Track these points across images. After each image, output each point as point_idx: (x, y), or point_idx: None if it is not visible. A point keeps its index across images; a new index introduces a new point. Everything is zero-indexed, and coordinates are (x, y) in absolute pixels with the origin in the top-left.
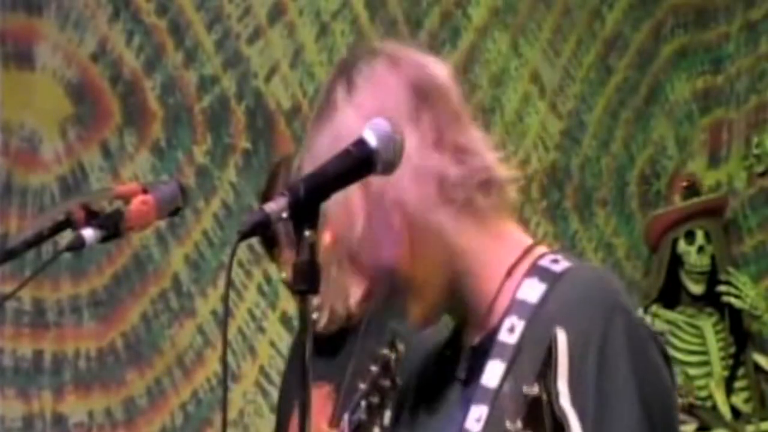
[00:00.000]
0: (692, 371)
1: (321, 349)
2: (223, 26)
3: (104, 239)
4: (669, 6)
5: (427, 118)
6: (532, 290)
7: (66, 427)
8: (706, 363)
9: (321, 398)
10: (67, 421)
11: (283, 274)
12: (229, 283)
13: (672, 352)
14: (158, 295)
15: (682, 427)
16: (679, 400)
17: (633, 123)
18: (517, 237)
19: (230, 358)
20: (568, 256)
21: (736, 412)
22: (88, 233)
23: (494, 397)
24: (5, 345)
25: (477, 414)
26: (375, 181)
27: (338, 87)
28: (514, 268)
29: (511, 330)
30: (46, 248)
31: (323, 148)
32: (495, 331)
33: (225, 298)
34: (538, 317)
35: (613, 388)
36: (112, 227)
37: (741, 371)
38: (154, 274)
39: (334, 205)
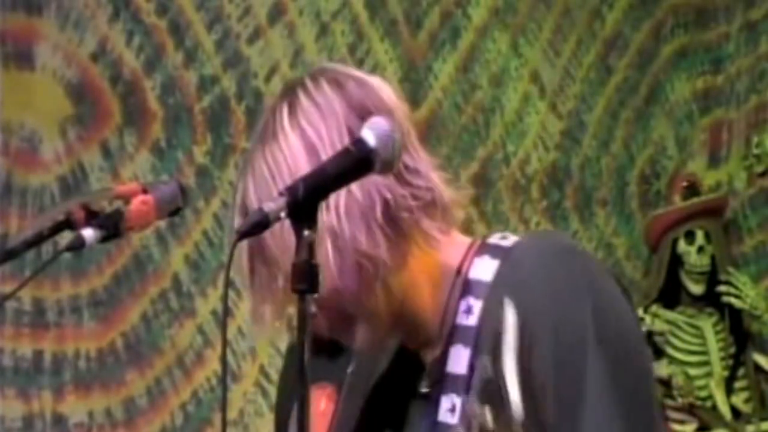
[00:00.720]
0: (692, 371)
1: (322, 350)
2: (223, 26)
3: (104, 239)
4: (669, 6)
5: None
6: (485, 268)
7: (66, 427)
8: (706, 363)
9: (322, 399)
10: (67, 421)
11: None
12: (229, 283)
13: (672, 352)
14: (158, 295)
15: (683, 427)
16: (679, 400)
17: (633, 123)
18: (461, 240)
19: (230, 358)
20: (516, 233)
21: (736, 412)
22: (88, 233)
23: (466, 384)
24: (5, 345)
25: (449, 404)
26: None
27: (282, 109)
28: (462, 265)
29: (468, 311)
30: (46, 248)
31: (264, 173)
32: (452, 313)
33: (224, 298)
34: (494, 294)
35: (585, 352)
36: (112, 227)
37: (741, 371)
38: (154, 274)
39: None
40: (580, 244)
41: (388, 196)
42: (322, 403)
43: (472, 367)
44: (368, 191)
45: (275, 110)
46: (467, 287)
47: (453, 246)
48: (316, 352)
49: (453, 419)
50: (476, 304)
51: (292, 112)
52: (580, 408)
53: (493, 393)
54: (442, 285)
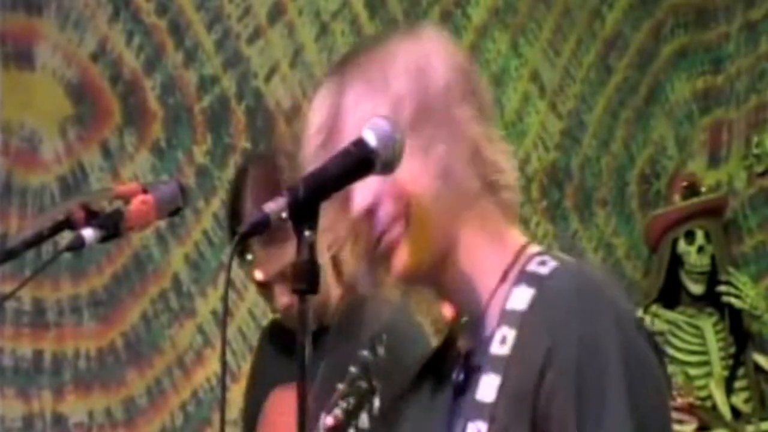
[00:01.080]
0: (692, 371)
1: (292, 350)
2: (223, 26)
3: (104, 239)
4: (669, 6)
5: (456, 108)
6: (521, 298)
7: (66, 427)
8: (706, 363)
9: (293, 399)
10: (67, 421)
11: (258, 275)
12: (229, 283)
13: (672, 352)
14: (158, 295)
15: (683, 427)
16: (679, 400)
17: (633, 123)
18: (513, 240)
19: (230, 358)
20: (556, 255)
21: (736, 412)
22: (88, 233)
23: (492, 412)
24: (5, 345)
25: (475, 430)
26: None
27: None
28: (508, 272)
29: (503, 341)
30: (46, 248)
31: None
32: (488, 341)
33: (225, 298)
34: (527, 324)
35: (605, 388)
36: (112, 227)
37: (741, 371)
38: (154, 274)
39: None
40: (607, 282)
41: (457, 166)
42: (293, 403)
43: (498, 397)
44: (438, 159)
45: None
46: (504, 316)
47: (506, 246)
48: (286, 352)
49: None
50: (510, 334)
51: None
52: None
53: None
54: (485, 283)
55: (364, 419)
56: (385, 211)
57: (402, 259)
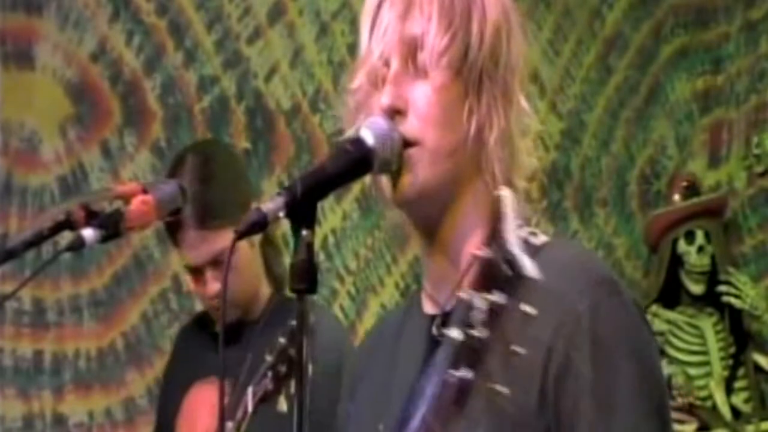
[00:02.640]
0: (692, 371)
1: (212, 341)
2: (223, 26)
3: (104, 239)
4: (669, 6)
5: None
6: None
7: (66, 427)
8: (706, 363)
9: (214, 395)
10: (67, 421)
11: (189, 256)
12: (227, 283)
13: (672, 352)
14: (158, 295)
15: (683, 427)
16: (679, 400)
17: (633, 123)
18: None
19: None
20: (544, 233)
21: (736, 412)
22: (88, 233)
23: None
24: (5, 345)
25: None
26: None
27: None
28: (495, 228)
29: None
30: (46, 248)
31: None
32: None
33: (224, 298)
34: (517, 288)
35: (611, 362)
36: (112, 227)
37: (741, 371)
38: (154, 274)
39: None
40: (597, 257)
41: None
42: (213, 397)
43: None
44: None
45: None
46: None
47: (490, 195)
48: (210, 345)
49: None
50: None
51: None
52: (614, 412)
53: (493, 274)
54: (477, 235)
55: (281, 402)
56: (410, 127)
57: (414, 180)
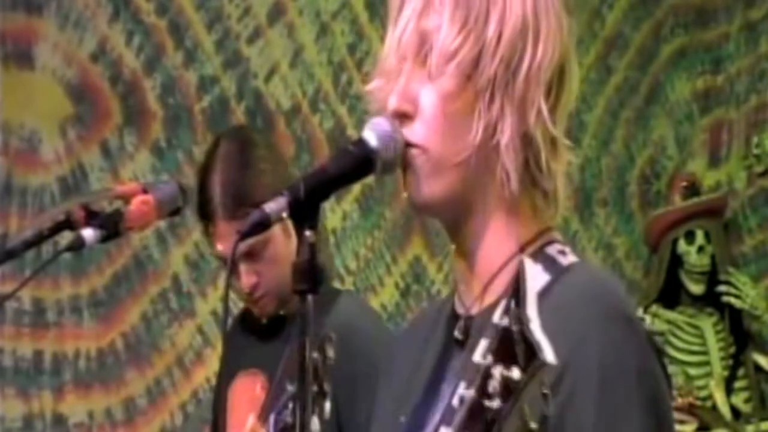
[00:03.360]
0: (692, 371)
1: (255, 333)
2: (223, 26)
3: (104, 239)
4: (669, 6)
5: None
6: (536, 279)
7: (66, 427)
8: (706, 363)
9: (254, 387)
10: (67, 421)
11: (219, 247)
12: (229, 283)
13: (672, 352)
14: (158, 295)
15: (683, 427)
16: (679, 400)
17: (633, 123)
18: (539, 218)
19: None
20: (573, 251)
21: (736, 412)
22: (88, 233)
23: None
24: (5, 345)
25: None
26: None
27: None
28: (525, 247)
29: (507, 312)
30: (46, 248)
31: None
32: (492, 309)
33: (225, 298)
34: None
35: (618, 403)
36: (112, 227)
37: (741, 371)
38: (154, 274)
39: None
40: (624, 291)
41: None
42: (257, 388)
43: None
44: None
45: None
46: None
47: (530, 219)
48: (251, 336)
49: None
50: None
51: None
52: None
53: (509, 346)
54: (502, 248)
55: (315, 422)
56: (416, 132)
57: (416, 188)
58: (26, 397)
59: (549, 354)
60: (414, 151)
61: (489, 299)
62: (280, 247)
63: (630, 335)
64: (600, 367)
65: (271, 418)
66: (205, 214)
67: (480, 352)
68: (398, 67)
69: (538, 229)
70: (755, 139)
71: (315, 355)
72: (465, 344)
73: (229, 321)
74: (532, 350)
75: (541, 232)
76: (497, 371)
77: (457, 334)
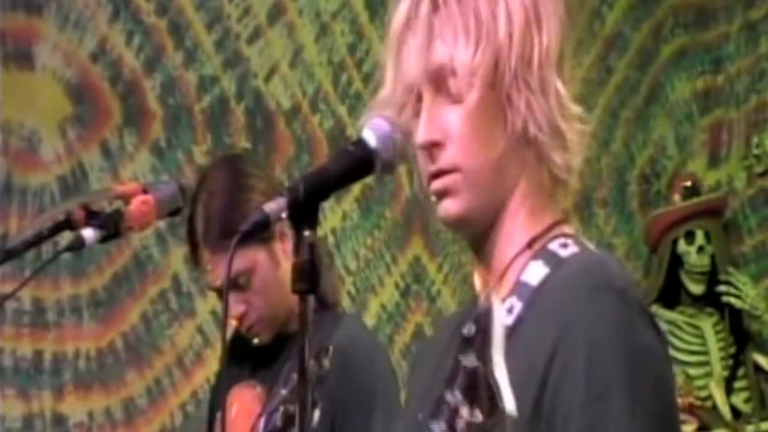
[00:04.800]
0: (692, 371)
1: (259, 359)
2: (223, 26)
3: (104, 239)
4: (669, 6)
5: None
6: (536, 273)
7: (66, 427)
8: (706, 363)
9: (251, 399)
10: (67, 421)
11: (207, 281)
12: (229, 283)
13: (672, 352)
14: (158, 295)
15: (682, 427)
16: (679, 400)
17: (633, 123)
18: (550, 214)
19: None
20: (581, 242)
21: (736, 412)
22: (88, 233)
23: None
24: (5, 345)
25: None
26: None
27: None
28: (533, 243)
29: (510, 311)
30: (46, 248)
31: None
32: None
33: (225, 298)
34: (535, 302)
35: (603, 378)
36: (112, 227)
37: (741, 371)
38: (154, 274)
39: None
40: (624, 271)
41: (562, 95)
42: (253, 399)
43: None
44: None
45: None
46: (517, 287)
47: (544, 214)
48: (254, 363)
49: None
50: (517, 306)
51: None
52: None
53: (475, 386)
54: (516, 239)
55: (315, 415)
56: (448, 156)
57: (454, 206)
58: (26, 397)
59: (509, 403)
60: (451, 177)
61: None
62: (267, 275)
63: (619, 306)
64: (587, 341)
65: (262, 420)
66: (192, 245)
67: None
68: (405, 100)
69: (551, 221)
70: (755, 139)
71: (311, 363)
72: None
73: (177, 328)
74: (493, 397)
75: (552, 225)
76: (464, 411)
77: (465, 332)
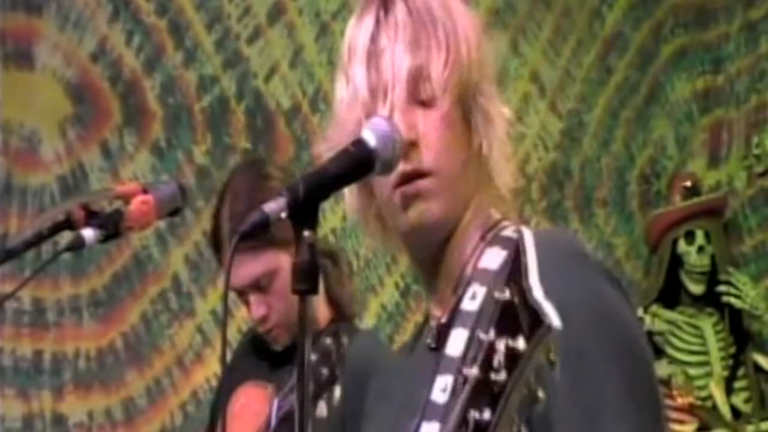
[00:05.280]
0: (692, 371)
1: (275, 363)
2: (223, 26)
3: (104, 239)
4: (669, 6)
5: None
6: (494, 259)
7: (66, 427)
8: (706, 363)
9: (261, 398)
10: (67, 421)
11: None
12: (229, 283)
13: (672, 352)
14: (158, 295)
15: (683, 427)
16: (679, 400)
17: (633, 123)
18: (493, 210)
19: (230, 358)
20: (528, 226)
21: (736, 412)
22: (88, 233)
23: (459, 366)
24: (5, 345)
25: (443, 384)
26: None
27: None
28: (485, 236)
29: (473, 297)
30: (46, 248)
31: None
32: (459, 300)
33: (224, 298)
34: (497, 281)
35: (576, 338)
36: (112, 227)
37: (741, 371)
38: (154, 274)
39: None
40: (582, 245)
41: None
42: (263, 405)
43: (465, 350)
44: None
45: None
46: (476, 274)
47: (488, 213)
48: (271, 367)
49: (443, 398)
50: (480, 291)
51: None
52: (599, 411)
53: (512, 318)
54: (470, 242)
55: (321, 407)
56: (426, 158)
57: (431, 211)
58: (26, 397)
59: (554, 318)
60: (428, 181)
61: (453, 301)
62: (285, 279)
63: (584, 270)
64: (559, 308)
65: (275, 402)
66: (215, 245)
67: (453, 345)
68: (378, 103)
69: (494, 219)
70: (755, 139)
71: (329, 341)
72: (440, 350)
73: (177, 328)
74: (535, 317)
75: (498, 221)
76: (501, 344)
77: (429, 341)
